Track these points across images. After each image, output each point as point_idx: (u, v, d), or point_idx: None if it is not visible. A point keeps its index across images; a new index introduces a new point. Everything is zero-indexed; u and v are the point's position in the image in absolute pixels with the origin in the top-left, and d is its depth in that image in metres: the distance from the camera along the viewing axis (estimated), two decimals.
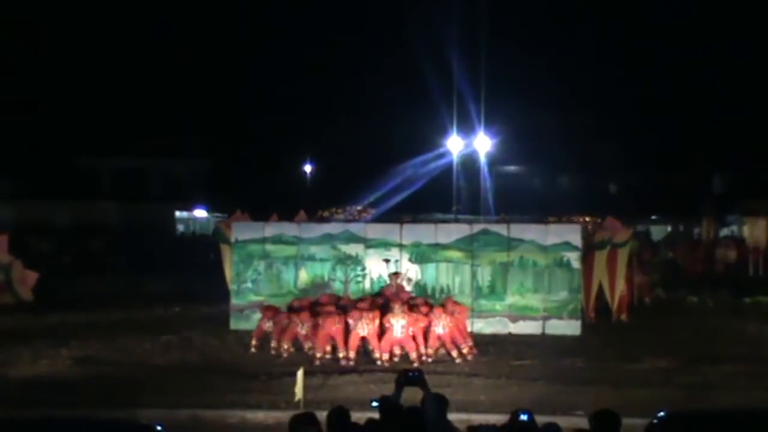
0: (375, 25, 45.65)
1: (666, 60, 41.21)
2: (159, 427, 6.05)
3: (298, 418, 5.96)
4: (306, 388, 11.02)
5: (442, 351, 14.77)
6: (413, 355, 14.29)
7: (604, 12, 41.91)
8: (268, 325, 15.31)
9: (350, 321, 14.39)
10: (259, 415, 11.05)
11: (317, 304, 15.40)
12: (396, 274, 16.96)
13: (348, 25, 46.72)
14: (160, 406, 11.00)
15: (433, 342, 14.61)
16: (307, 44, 44.37)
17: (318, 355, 14.32)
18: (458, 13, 34.48)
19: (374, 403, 6.16)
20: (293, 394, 10.95)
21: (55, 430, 6.16)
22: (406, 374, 6.15)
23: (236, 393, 12.15)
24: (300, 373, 11.04)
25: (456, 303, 15.49)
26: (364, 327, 14.29)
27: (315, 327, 14.53)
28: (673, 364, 14.24)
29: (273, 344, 14.99)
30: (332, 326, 14.33)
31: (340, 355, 14.29)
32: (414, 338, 14.42)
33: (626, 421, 6.51)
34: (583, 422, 6.32)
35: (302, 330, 14.74)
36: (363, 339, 14.43)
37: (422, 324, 14.57)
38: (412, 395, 6.13)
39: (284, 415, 10.87)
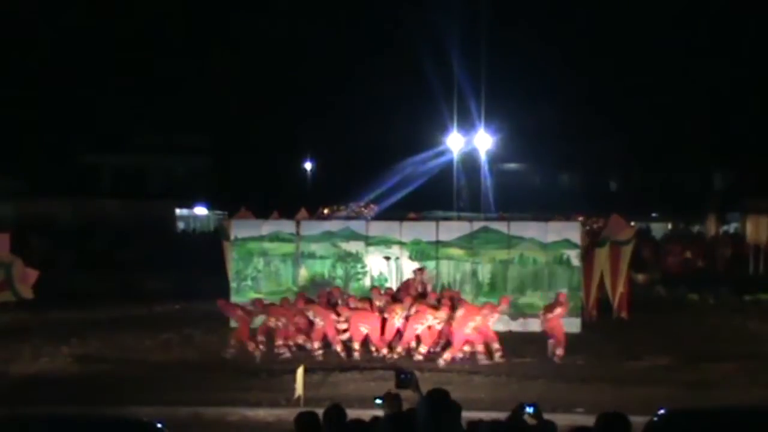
0: (375, 22, 45.62)
1: (668, 56, 41.13)
2: (159, 425, 6.06)
3: (302, 416, 5.93)
4: (306, 385, 11.05)
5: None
6: (422, 350, 14.31)
7: (604, 9, 41.86)
8: (272, 322, 15.24)
9: (385, 315, 14.58)
10: (260, 413, 11.05)
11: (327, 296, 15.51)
12: (421, 270, 16.81)
13: (348, 22, 46.67)
14: (161, 403, 11.01)
15: (459, 345, 14.27)
16: (307, 41, 44.27)
17: (339, 349, 14.51)
18: (459, 10, 34.50)
19: (378, 401, 6.14)
20: (293, 391, 10.98)
21: (56, 428, 6.16)
22: (398, 376, 6.07)
23: (236, 390, 12.15)
24: (300, 371, 11.07)
25: (461, 299, 15.47)
26: (399, 319, 14.50)
27: (354, 322, 14.61)
28: (673, 362, 14.26)
29: (283, 342, 14.90)
30: (370, 321, 14.50)
31: (372, 348, 14.45)
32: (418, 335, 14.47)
33: None
34: (584, 419, 6.32)
35: (341, 325, 14.77)
36: (398, 331, 14.57)
37: (429, 321, 14.57)
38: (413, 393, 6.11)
39: (285, 413, 10.91)
